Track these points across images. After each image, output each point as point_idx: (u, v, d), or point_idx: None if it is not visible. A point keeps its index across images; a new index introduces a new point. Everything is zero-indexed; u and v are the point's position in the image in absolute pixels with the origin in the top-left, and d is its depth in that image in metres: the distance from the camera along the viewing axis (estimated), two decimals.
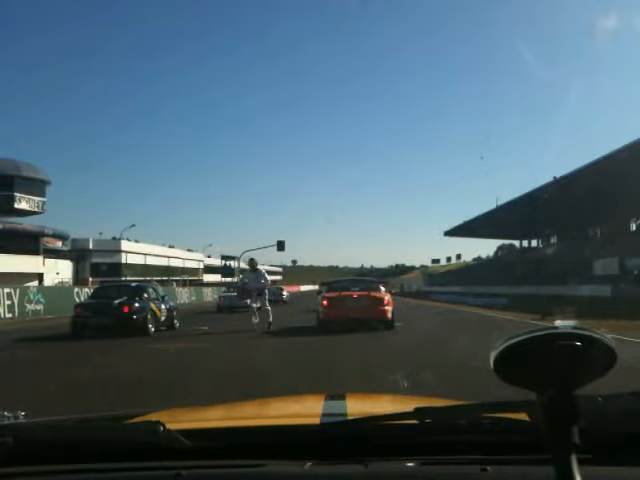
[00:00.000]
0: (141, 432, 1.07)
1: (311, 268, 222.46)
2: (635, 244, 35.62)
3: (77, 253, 45.31)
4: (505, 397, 0.91)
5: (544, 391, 0.71)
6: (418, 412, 0.97)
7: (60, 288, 30.64)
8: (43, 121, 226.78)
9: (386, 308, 12.52)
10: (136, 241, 54.15)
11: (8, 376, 6.82)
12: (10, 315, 19.33)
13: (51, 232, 41.07)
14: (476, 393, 4.62)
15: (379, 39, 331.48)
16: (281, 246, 37.79)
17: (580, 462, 0.69)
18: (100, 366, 7.67)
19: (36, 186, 39.15)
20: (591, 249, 41.05)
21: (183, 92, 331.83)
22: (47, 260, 38.84)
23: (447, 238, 71.46)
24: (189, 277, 61.01)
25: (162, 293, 14.80)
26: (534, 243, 64.74)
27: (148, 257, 54.43)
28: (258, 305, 13.68)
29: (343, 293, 12.94)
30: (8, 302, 19.49)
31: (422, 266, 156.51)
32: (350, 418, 1.24)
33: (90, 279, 43.40)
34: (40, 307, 21.01)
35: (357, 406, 1.71)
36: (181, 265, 62.98)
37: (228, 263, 53.99)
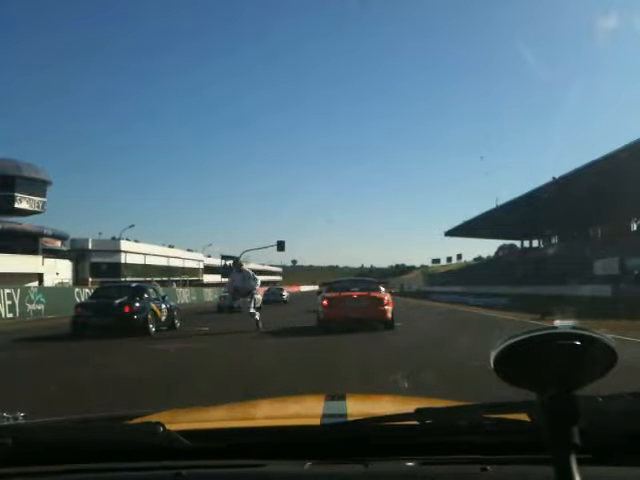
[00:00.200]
0: (141, 432, 1.07)
1: (311, 268, 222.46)
2: (635, 244, 35.63)
3: (77, 253, 45.32)
4: (505, 397, 0.91)
5: (544, 391, 0.71)
6: (418, 413, 0.97)
7: (61, 288, 30.66)
8: (43, 121, 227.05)
9: (386, 308, 12.52)
10: (136, 241, 54.19)
11: (8, 376, 6.82)
12: (11, 315, 19.35)
13: (50, 232, 41.11)
14: (476, 393, 4.62)
15: (379, 39, 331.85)
16: (281, 246, 37.76)
17: (580, 462, 0.69)
18: (100, 366, 7.67)
19: (37, 186, 39.20)
20: (591, 249, 41.05)
21: (183, 92, 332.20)
22: (47, 260, 38.86)
23: (447, 238, 71.49)
24: (189, 277, 61.05)
25: (162, 293, 14.81)
26: (535, 243, 64.76)
27: (148, 257, 54.44)
28: (255, 306, 13.22)
29: (343, 293, 12.94)
30: (9, 302, 19.50)
31: (422, 266, 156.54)
32: (350, 419, 1.24)
33: (90, 279, 43.43)
34: (41, 307, 21.03)
35: (357, 407, 1.71)
36: (181, 265, 63.00)
37: (228, 263, 53.94)
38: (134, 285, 14.78)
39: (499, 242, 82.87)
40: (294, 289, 73.96)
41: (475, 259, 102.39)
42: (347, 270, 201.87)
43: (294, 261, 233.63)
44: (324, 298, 12.92)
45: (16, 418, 1.35)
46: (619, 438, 0.99)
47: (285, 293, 36.10)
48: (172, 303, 15.15)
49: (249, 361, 8.11)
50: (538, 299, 25.79)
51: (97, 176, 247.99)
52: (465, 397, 3.58)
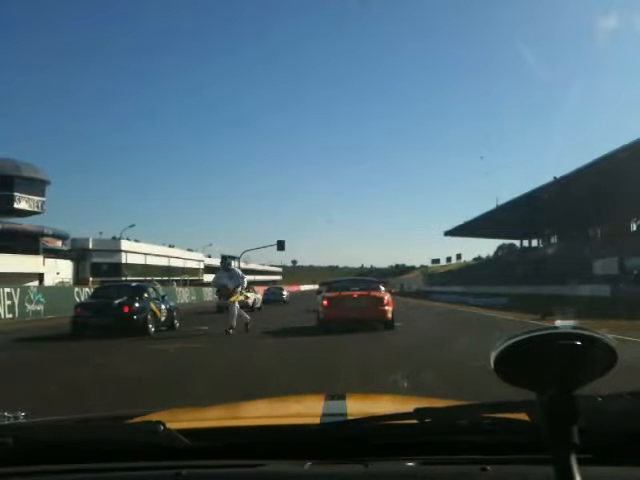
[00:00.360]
0: (141, 432, 1.07)
1: (311, 268, 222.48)
2: (635, 244, 35.63)
3: (77, 253, 45.30)
4: (505, 397, 0.91)
5: (544, 391, 0.71)
6: (418, 412, 0.97)
7: (60, 288, 30.64)
8: (43, 121, 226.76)
9: (386, 308, 12.52)
10: (136, 241, 54.16)
11: (8, 376, 6.83)
12: (10, 315, 19.33)
13: (51, 232, 41.08)
14: (476, 393, 4.62)
15: (379, 39, 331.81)
16: (281, 246, 37.77)
17: (580, 462, 0.69)
18: (100, 366, 7.67)
19: (36, 186, 39.18)
20: (591, 249, 41.06)
21: (183, 92, 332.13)
22: (47, 260, 38.84)
23: (447, 238, 71.46)
24: (189, 277, 61.01)
25: (162, 293, 14.80)
26: (534, 243, 64.77)
27: (148, 257, 54.42)
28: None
29: (343, 293, 12.95)
30: (8, 302, 19.48)
31: (422, 266, 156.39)
32: (350, 418, 1.24)
33: (90, 279, 43.39)
34: (40, 307, 21.01)
35: (357, 406, 1.71)
36: (181, 265, 62.98)
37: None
38: (134, 285, 14.77)
39: (499, 242, 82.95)
40: (294, 289, 73.99)
41: (475, 259, 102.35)
42: (347, 270, 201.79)
43: (294, 261, 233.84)
44: (324, 298, 12.93)
45: (16, 417, 1.35)
46: (619, 438, 0.99)
47: (285, 293, 36.08)
48: (172, 303, 15.14)
49: (249, 361, 8.11)
50: (538, 299, 25.81)
51: (97, 176, 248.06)
52: (465, 397, 3.58)
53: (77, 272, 43.62)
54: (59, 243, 44.24)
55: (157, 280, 41.45)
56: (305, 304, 24.00)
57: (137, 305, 12.51)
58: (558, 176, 39.25)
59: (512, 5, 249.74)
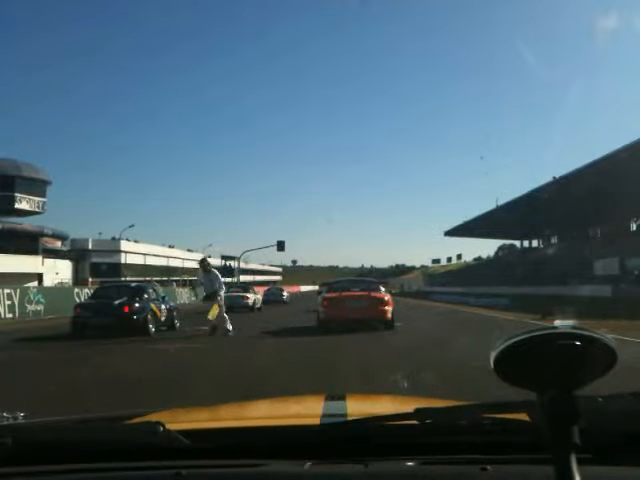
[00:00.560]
0: (141, 432, 1.07)
1: (311, 268, 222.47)
2: (635, 244, 35.64)
3: (77, 253, 45.34)
4: (505, 397, 0.91)
5: (544, 391, 0.71)
6: (418, 412, 0.97)
7: (60, 288, 30.65)
8: (43, 121, 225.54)
9: (386, 308, 12.53)
10: (136, 241, 54.23)
11: (8, 376, 6.82)
12: (10, 315, 19.34)
13: (50, 232, 41.13)
14: (476, 393, 4.62)
15: (379, 39, 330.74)
16: (281, 246, 37.84)
17: (580, 462, 0.69)
18: (100, 366, 7.68)
19: (37, 186, 39.22)
20: (591, 249, 41.10)
21: (183, 92, 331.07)
22: (46, 260, 38.87)
23: (447, 238, 71.51)
24: (189, 277, 60.98)
25: (162, 293, 14.81)
26: (534, 243, 64.79)
27: (148, 257, 54.47)
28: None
29: (343, 293, 12.95)
30: (8, 302, 19.50)
31: (422, 266, 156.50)
32: (350, 418, 1.24)
33: (90, 279, 43.41)
34: (40, 307, 21.02)
35: (357, 406, 1.71)
36: (181, 265, 62.97)
37: (228, 263, 54.00)
38: (134, 285, 14.78)
39: (499, 242, 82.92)
40: (294, 289, 73.96)
41: (475, 259, 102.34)
42: (347, 270, 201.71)
43: (294, 261, 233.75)
44: (324, 298, 12.94)
45: (16, 418, 1.35)
46: (619, 438, 0.99)
47: (285, 293, 36.09)
48: (172, 303, 15.15)
49: (249, 361, 8.11)
50: (538, 299, 25.81)
51: (97, 176, 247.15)
52: (465, 397, 3.58)
53: (76, 272, 43.64)
54: (59, 243, 44.28)
55: (157, 280, 41.44)
56: (305, 304, 24.01)
57: (137, 305, 12.51)
58: (558, 176, 39.30)
59: (512, 5, 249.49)
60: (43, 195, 40.04)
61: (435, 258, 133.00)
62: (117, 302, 12.44)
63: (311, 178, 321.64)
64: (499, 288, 42.15)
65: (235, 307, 24.53)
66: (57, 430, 1.20)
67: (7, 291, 19.66)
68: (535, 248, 63.02)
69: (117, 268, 47.59)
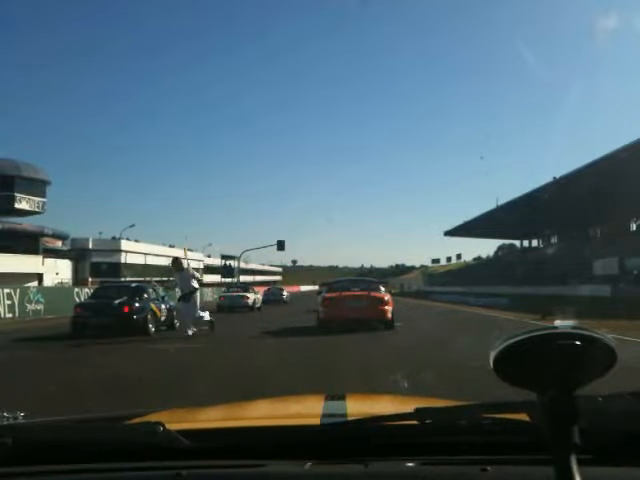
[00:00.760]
0: (141, 432, 1.07)
1: (311, 268, 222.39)
2: (635, 244, 35.63)
3: (77, 253, 45.30)
4: (505, 397, 0.91)
5: (544, 391, 0.71)
6: (418, 412, 0.97)
7: (60, 288, 30.65)
8: (43, 121, 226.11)
9: (386, 308, 12.53)
10: (136, 241, 54.16)
11: (8, 376, 6.82)
12: (10, 315, 19.35)
13: (51, 232, 41.11)
14: (476, 393, 4.62)
15: (379, 39, 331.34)
16: (281, 246, 37.84)
17: (580, 462, 0.69)
18: (100, 366, 7.67)
19: (36, 186, 39.20)
20: (591, 249, 41.06)
21: (183, 92, 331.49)
22: (47, 260, 38.84)
23: (447, 238, 71.45)
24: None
25: (162, 293, 14.81)
26: (534, 243, 64.75)
27: (148, 257, 54.41)
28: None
29: (343, 293, 12.95)
30: (8, 302, 19.50)
31: (422, 266, 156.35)
32: (350, 418, 1.24)
33: (90, 279, 43.38)
34: (40, 307, 21.03)
35: (357, 406, 1.71)
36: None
37: (228, 263, 54.06)
38: (134, 285, 14.78)
39: (499, 242, 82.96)
40: (294, 289, 73.96)
41: (475, 259, 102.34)
42: (347, 270, 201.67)
43: (294, 261, 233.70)
44: (324, 298, 12.94)
45: (16, 418, 1.35)
46: (619, 438, 0.99)
47: (285, 293, 36.05)
48: (172, 303, 15.14)
49: (249, 361, 8.11)
50: (538, 299, 25.80)
51: (97, 176, 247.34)
52: (465, 397, 3.58)
53: (76, 272, 43.60)
54: (59, 243, 44.27)
55: (157, 280, 41.43)
56: (305, 304, 24.01)
57: (137, 305, 12.51)
58: (558, 176, 39.29)
59: (512, 5, 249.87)
60: (43, 195, 40.02)
61: (435, 258, 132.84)
62: (117, 302, 12.44)
63: (311, 178, 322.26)
64: (499, 288, 42.12)
65: (235, 307, 24.59)
66: (57, 430, 1.20)
67: (7, 291, 19.67)
68: (535, 248, 62.97)
69: (117, 268, 47.54)
